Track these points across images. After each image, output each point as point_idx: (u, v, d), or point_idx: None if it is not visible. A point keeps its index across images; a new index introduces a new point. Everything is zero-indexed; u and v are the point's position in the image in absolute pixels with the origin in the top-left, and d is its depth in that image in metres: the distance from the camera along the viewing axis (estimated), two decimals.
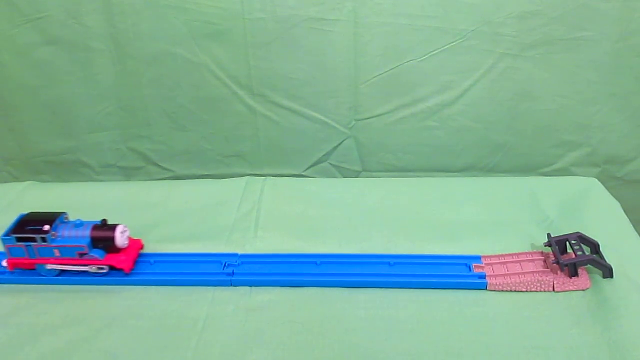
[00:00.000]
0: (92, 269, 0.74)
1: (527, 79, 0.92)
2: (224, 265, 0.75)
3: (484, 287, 0.70)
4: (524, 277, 0.70)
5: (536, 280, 0.69)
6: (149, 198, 0.92)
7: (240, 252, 0.78)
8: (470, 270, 0.72)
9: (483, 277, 0.70)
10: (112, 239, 0.73)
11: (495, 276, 0.70)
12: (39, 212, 0.77)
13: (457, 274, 0.72)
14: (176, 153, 1.04)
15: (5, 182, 1.05)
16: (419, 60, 0.91)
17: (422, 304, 0.68)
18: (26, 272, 0.76)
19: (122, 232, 0.74)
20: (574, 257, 0.70)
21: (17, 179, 1.08)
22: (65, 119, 1.01)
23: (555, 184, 0.91)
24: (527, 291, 0.69)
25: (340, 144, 1.01)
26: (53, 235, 0.73)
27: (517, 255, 0.74)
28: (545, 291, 0.69)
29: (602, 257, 0.71)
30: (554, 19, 0.86)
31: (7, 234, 0.73)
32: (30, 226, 0.73)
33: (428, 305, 0.68)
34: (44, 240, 0.72)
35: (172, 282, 0.73)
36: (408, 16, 0.88)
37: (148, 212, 0.88)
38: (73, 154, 1.05)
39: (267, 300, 0.70)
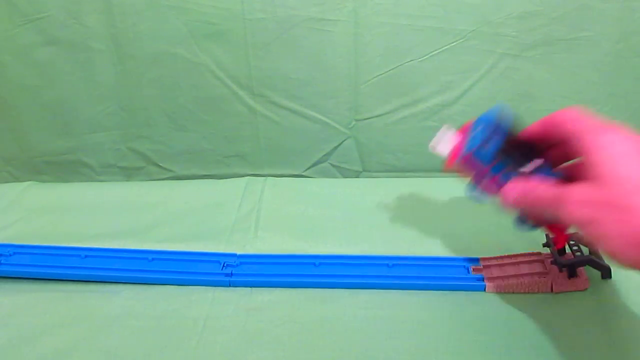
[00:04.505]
0: None
1: (527, 79, 0.92)
2: (222, 265, 0.75)
3: (482, 290, 0.70)
4: (522, 278, 0.70)
5: (534, 282, 0.69)
6: (149, 198, 0.92)
7: (240, 252, 0.78)
8: (468, 272, 0.72)
9: (481, 279, 0.71)
10: None
11: (494, 278, 0.70)
12: None
13: (455, 276, 0.72)
14: (176, 153, 1.04)
15: (5, 182, 1.05)
16: (419, 60, 0.91)
17: (422, 304, 0.68)
18: None
19: None
20: (572, 257, 0.70)
21: (17, 179, 1.07)
22: (65, 119, 1.01)
23: None
24: (525, 292, 0.69)
25: (340, 144, 1.01)
26: None
27: (515, 256, 0.74)
28: (543, 292, 0.69)
29: (600, 257, 0.71)
30: (554, 19, 0.86)
31: None
32: None
33: (428, 305, 0.68)
34: None
35: (169, 280, 0.73)
36: (408, 16, 0.88)
37: (148, 212, 0.88)
38: (73, 154, 1.05)
39: (267, 300, 0.70)
